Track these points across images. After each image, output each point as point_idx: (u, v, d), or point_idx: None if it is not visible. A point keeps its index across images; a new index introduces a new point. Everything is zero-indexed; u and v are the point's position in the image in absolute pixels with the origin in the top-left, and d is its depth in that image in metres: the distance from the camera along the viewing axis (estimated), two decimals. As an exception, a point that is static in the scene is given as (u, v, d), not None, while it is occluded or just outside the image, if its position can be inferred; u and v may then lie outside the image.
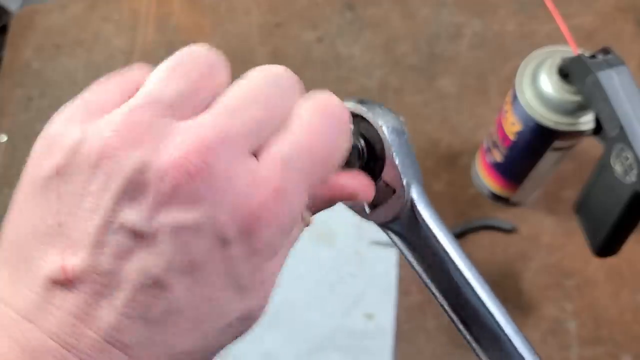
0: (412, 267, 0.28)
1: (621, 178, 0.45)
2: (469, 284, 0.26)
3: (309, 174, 0.24)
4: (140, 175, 0.21)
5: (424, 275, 0.27)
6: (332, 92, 0.25)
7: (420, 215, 0.26)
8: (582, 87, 0.48)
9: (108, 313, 0.21)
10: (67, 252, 0.21)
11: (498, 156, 0.62)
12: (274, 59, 0.79)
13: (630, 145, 0.44)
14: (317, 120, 0.24)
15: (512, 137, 0.57)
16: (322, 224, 0.67)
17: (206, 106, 0.23)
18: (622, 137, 0.45)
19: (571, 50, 0.51)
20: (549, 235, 0.67)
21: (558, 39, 0.51)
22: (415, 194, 0.26)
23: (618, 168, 0.45)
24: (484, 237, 0.68)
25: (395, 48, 0.79)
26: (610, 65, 0.47)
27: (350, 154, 0.26)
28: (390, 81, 0.77)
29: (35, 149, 0.23)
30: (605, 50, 0.48)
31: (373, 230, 0.49)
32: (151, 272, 0.21)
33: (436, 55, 0.78)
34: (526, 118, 0.54)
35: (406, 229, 0.27)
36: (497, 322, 0.26)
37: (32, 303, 0.21)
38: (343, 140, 0.25)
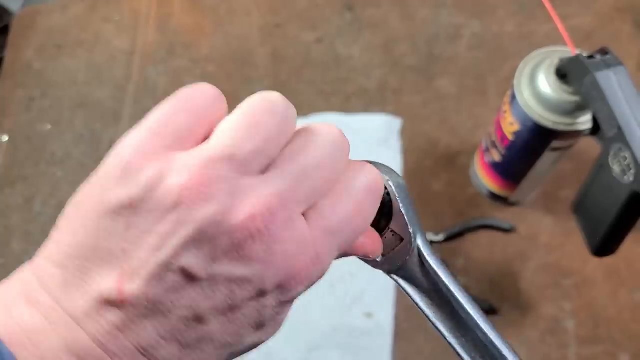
0: (420, 309, 0.30)
1: (619, 178, 0.45)
2: (475, 322, 0.28)
3: (345, 241, 0.26)
4: (209, 228, 0.23)
5: (432, 316, 0.29)
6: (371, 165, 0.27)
7: (427, 260, 0.29)
8: (580, 88, 0.49)
9: (149, 333, 0.24)
10: (125, 277, 0.23)
11: (497, 156, 0.62)
12: (274, 60, 0.79)
13: (628, 145, 0.44)
14: (365, 197, 0.27)
15: (510, 137, 0.58)
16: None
17: (270, 162, 0.25)
18: (620, 137, 0.45)
19: (569, 50, 0.51)
20: (547, 235, 0.68)
21: (556, 39, 0.52)
22: (420, 241, 0.29)
23: (616, 168, 0.46)
24: (483, 237, 0.68)
25: (395, 49, 0.79)
26: (608, 65, 0.47)
27: None
28: (389, 81, 0.77)
29: (108, 170, 0.24)
30: (604, 51, 0.48)
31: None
32: (196, 309, 0.24)
33: (435, 56, 0.78)
34: (524, 118, 0.54)
35: (415, 274, 0.29)
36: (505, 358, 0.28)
37: (83, 310, 0.24)
38: (375, 212, 0.27)
